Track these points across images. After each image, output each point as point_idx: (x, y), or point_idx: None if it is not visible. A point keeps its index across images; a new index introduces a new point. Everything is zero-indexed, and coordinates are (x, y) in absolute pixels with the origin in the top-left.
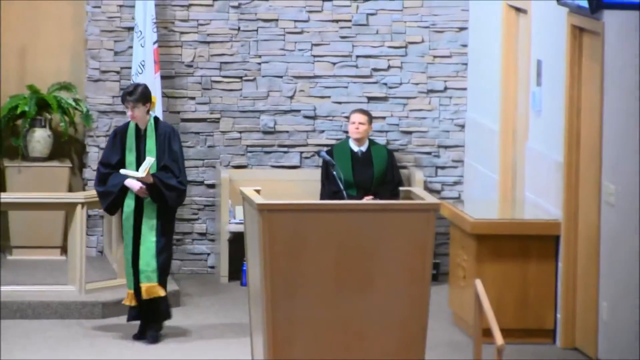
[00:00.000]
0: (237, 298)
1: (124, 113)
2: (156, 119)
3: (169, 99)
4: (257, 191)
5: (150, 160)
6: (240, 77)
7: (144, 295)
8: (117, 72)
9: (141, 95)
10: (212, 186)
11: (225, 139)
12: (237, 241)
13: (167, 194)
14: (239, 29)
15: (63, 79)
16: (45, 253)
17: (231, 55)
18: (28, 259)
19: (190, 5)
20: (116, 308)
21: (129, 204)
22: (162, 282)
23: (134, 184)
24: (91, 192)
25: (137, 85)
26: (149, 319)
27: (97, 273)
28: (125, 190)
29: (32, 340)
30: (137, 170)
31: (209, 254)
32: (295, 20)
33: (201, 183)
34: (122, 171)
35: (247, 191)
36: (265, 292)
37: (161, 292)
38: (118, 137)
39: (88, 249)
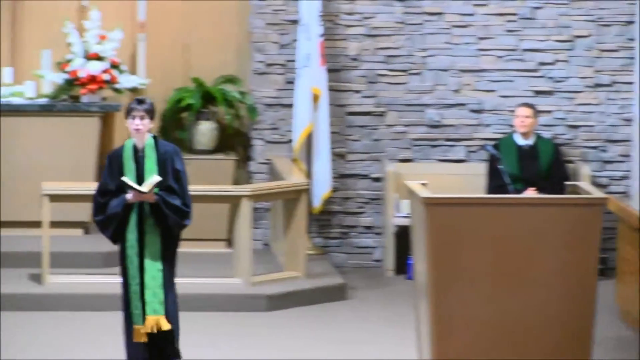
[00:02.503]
0: (403, 292)
1: (289, 106)
2: (155, 137)
3: (335, 93)
4: (423, 185)
5: (156, 178)
6: (406, 71)
7: (150, 329)
8: (283, 65)
9: (150, 108)
10: (377, 180)
11: (391, 132)
12: (403, 235)
13: (169, 215)
14: (404, 22)
15: (228, 72)
16: (211, 246)
17: (397, 48)
18: (194, 251)
19: None
20: (282, 301)
21: (132, 230)
22: (170, 315)
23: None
24: (257, 185)
25: (146, 98)
26: (154, 356)
27: (263, 266)
28: (129, 211)
29: (197, 332)
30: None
31: (374, 248)
32: (461, 14)
33: (366, 176)
34: (123, 178)
35: (413, 185)
36: (429, 287)
37: (167, 326)
38: (114, 161)
39: (254, 241)
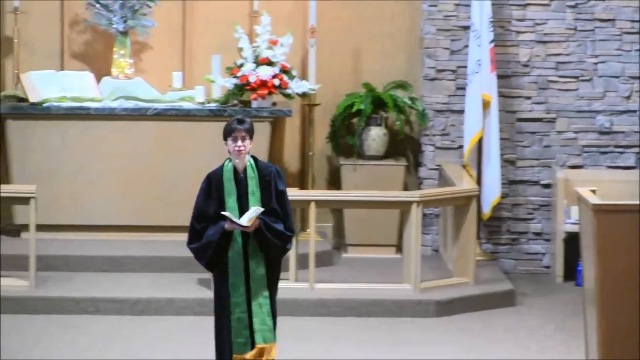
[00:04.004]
0: (572, 298)
1: (459, 112)
2: (255, 158)
3: (505, 99)
4: (593, 191)
5: (258, 210)
6: (577, 77)
7: (258, 357)
8: (453, 71)
9: (251, 127)
10: (547, 186)
11: (561, 139)
12: (572, 241)
13: (272, 241)
14: (575, 28)
15: (398, 77)
16: (380, 251)
17: (567, 55)
18: (363, 257)
19: (527, 4)
20: (450, 307)
21: (236, 256)
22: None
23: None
24: (427, 191)
25: (246, 118)
26: None
27: (432, 272)
28: (227, 239)
29: (365, 338)
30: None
31: (544, 254)
32: (632, 20)
33: (536, 183)
34: (224, 213)
35: (583, 191)
36: (598, 293)
37: (275, 355)
38: (213, 183)
39: (423, 247)
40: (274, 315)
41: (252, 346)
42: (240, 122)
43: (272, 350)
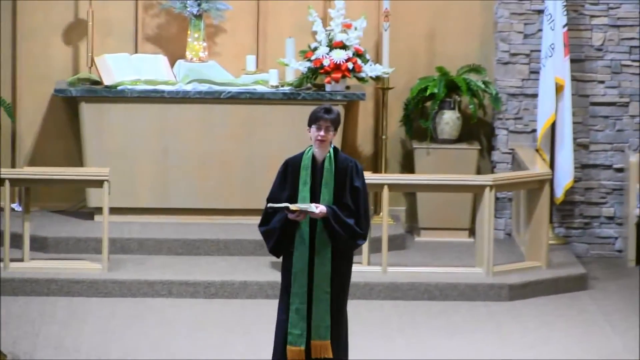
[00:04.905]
0: None
1: (533, 96)
2: (336, 149)
3: (578, 83)
4: None
5: (310, 207)
6: None
7: (313, 354)
8: (527, 55)
9: (337, 118)
10: (620, 170)
11: (635, 123)
12: None
13: (339, 232)
14: None
15: (472, 61)
16: (453, 235)
17: None
18: (436, 240)
19: None
20: (523, 291)
21: (302, 247)
22: (336, 342)
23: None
24: (500, 175)
25: (334, 108)
26: None
27: (505, 255)
28: (291, 227)
29: (434, 320)
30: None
31: (616, 238)
32: None
33: (609, 167)
34: (270, 205)
35: None
36: None
37: (330, 354)
38: (290, 169)
39: (496, 231)
40: (339, 316)
41: (308, 340)
42: (328, 111)
43: (326, 348)
